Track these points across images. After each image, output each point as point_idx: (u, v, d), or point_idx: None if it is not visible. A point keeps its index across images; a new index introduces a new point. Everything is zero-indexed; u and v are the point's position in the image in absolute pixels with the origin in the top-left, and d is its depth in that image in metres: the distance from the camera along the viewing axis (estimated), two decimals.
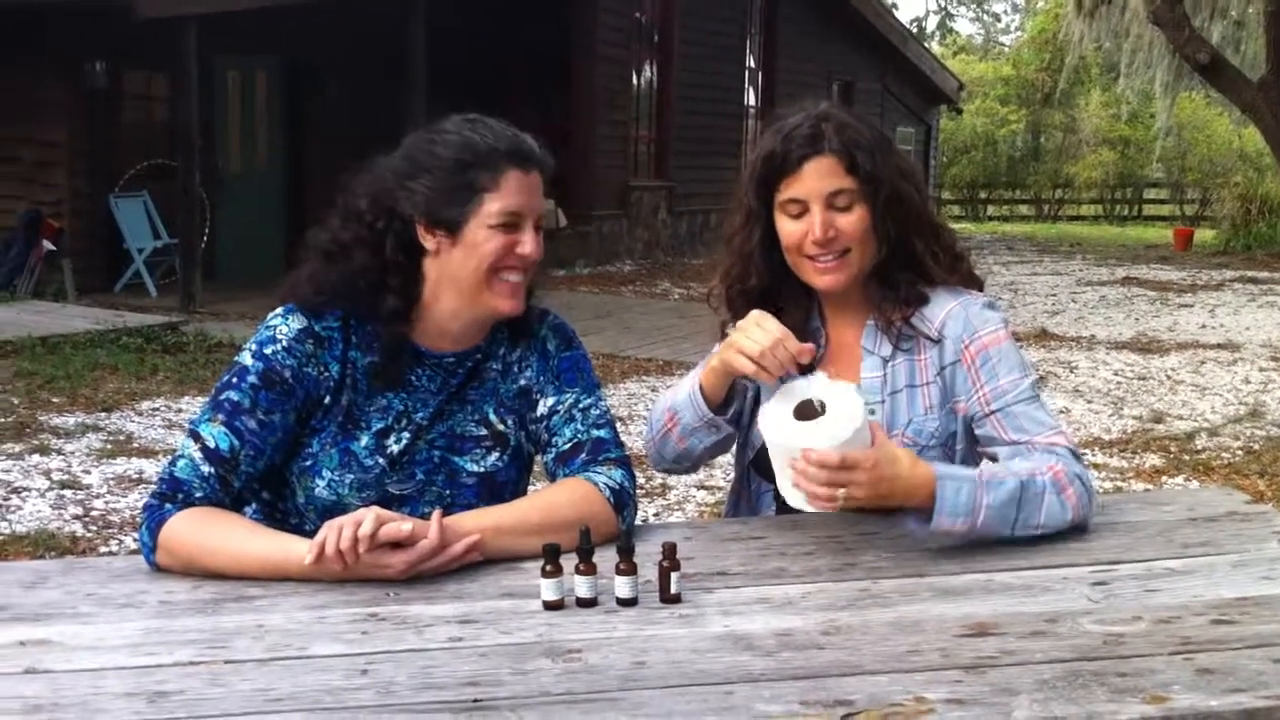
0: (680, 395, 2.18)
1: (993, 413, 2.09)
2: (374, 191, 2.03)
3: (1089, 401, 8.16)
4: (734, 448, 2.34)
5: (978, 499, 1.92)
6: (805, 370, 2.01)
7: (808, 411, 1.92)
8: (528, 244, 2.01)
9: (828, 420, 1.89)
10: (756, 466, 2.28)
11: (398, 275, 2.02)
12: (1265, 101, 18.72)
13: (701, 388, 2.14)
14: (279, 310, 2.05)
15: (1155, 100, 25.63)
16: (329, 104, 13.68)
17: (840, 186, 2.10)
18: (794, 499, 1.92)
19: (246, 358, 2.01)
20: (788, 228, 2.14)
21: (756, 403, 2.24)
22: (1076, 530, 2.04)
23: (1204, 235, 22.12)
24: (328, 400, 2.02)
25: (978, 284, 2.28)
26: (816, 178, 2.10)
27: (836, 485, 1.85)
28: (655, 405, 2.28)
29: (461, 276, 2.01)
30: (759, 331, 2.00)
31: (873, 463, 1.86)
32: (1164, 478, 6.27)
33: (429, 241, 2.01)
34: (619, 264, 16.22)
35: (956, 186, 32.91)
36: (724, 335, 2.31)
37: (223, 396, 1.98)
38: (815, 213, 2.10)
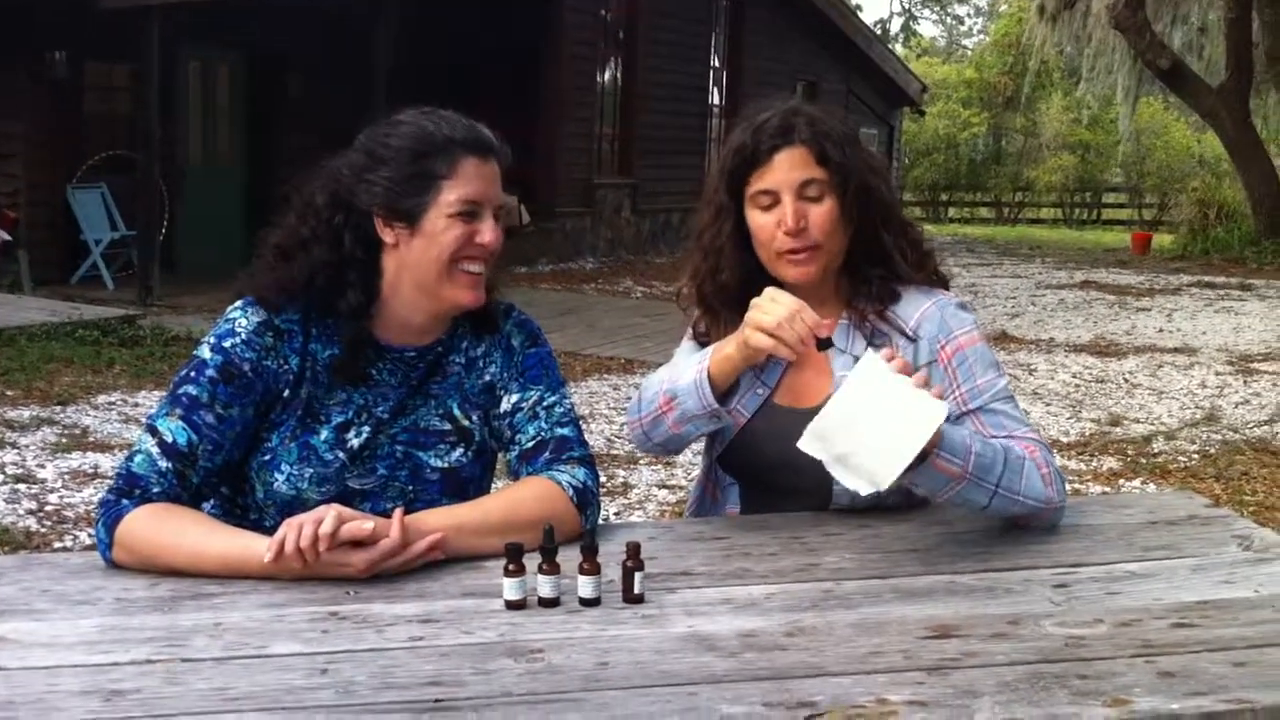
0: (684, 381, 2.11)
1: (972, 411, 2.11)
2: (331, 187, 2.01)
3: (1048, 404, 8.21)
4: (702, 441, 2.33)
5: (968, 445, 1.92)
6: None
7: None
8: (487, 233, 2.00)
9: (853, 372, 1.88)
10: (723, 462, 2.28)
11: (356, 270, 2.00)
12: (1225, 107, 18.97)
13: (710, 376, 2.09)
14: (238, 303, 2.03)
15: (1116, 105, 25.87)
16: (292, 97, 13.60)
17: (811, 176, 2.12)
18: (912, 437, 1.80)
19: (205, 351, 1.99)
20: (759, 220, 2.15)
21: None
22: (1049, 522, 2.06)
23: (1162, 240, 22.29)
24: (287, 394, 2.00)
25: (944, 282, 2.30)
26: (788, 168, 2.12)
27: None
28: (645, 385, 2.22)
29: (422, 268, 1.99)
30: (775, 305, 1.99)
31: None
32: (1121, 481, 6.32)
33: (388, 234, 1.99)
34: (582, 262, 16.20)
35: (918, 188, 33.06)
36: (695, 334, 2.31)
37: (181, 391, 1.96)
38: (787, 203, 2.11)
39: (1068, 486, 6.06)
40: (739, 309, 2.09)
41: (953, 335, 2.16)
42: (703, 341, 2.26)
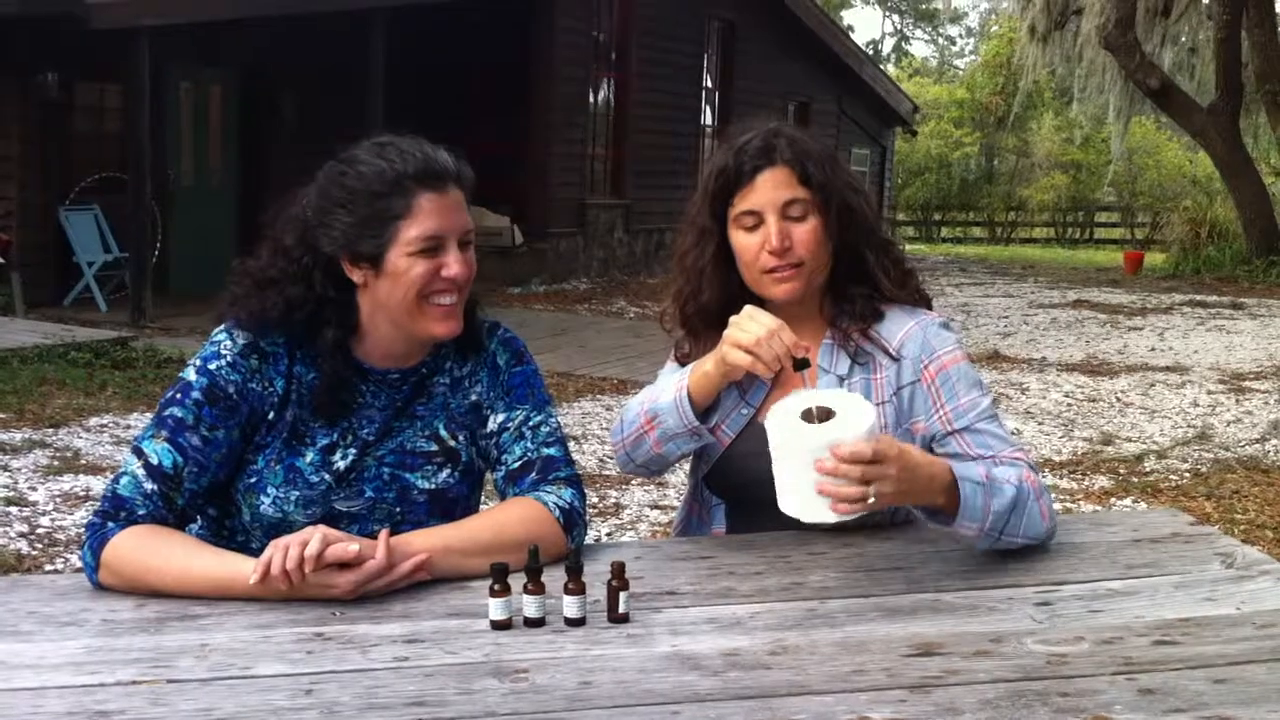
0: (664, 400, 2.14)
1: (956, 431, 2.12)
2: (297, 229, 2.01)
3: (1040, 423, 8.23)
4: (689, 461, 2.34)
5: (986, 503, 1.94)
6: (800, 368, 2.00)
7: (809, 420, 1.85)
8: (453, 265, 1.98)
9: (848, 415, 1.82)
10: (709, 482, 2.29)
11: (333, 309, 2.01)
12: (1214, 127, 19.05)
13: (690, 394, 2.12)
14: (223, 325, 2.04)
15: (1107, 125, 25.96)
16: (284, 117, 13.62)
17: (794, 196, 2.13)
18: (810, 511, 1.82)
19: (191, 373, 2.00)
20: (743, 241, 2.16)
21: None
22: (1033, 546, 2.06)
23: (1154, 259, 22.37)
24: (272, 416, 2.01)
25: (926, 301, 2.31)
26: (771, 188, 2.13)
27: (869, 481, 1.77)
28: (628, 406, 2.24)
29: (392, 306, 1.99)
30: (753, 323, 2.00)
31: (898, 452, 1.81)
32: (1112, 499, 6.33)
33: (355, 275, 2.00)
34: (575, 282, 16.22)
35: (911, 208, 33.16)
36: (677, 355, 2.32)
37: (166, 413, 1.97)
38: (771, 222, 2.13)
39: (1059, 506, 6.06)
40: (720, 330, 2.10)
41: (936, 355, 2.17)
42: (685, 363, 2.28)
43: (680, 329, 2.32)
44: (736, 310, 2.11)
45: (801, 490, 1.83)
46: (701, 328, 2.26)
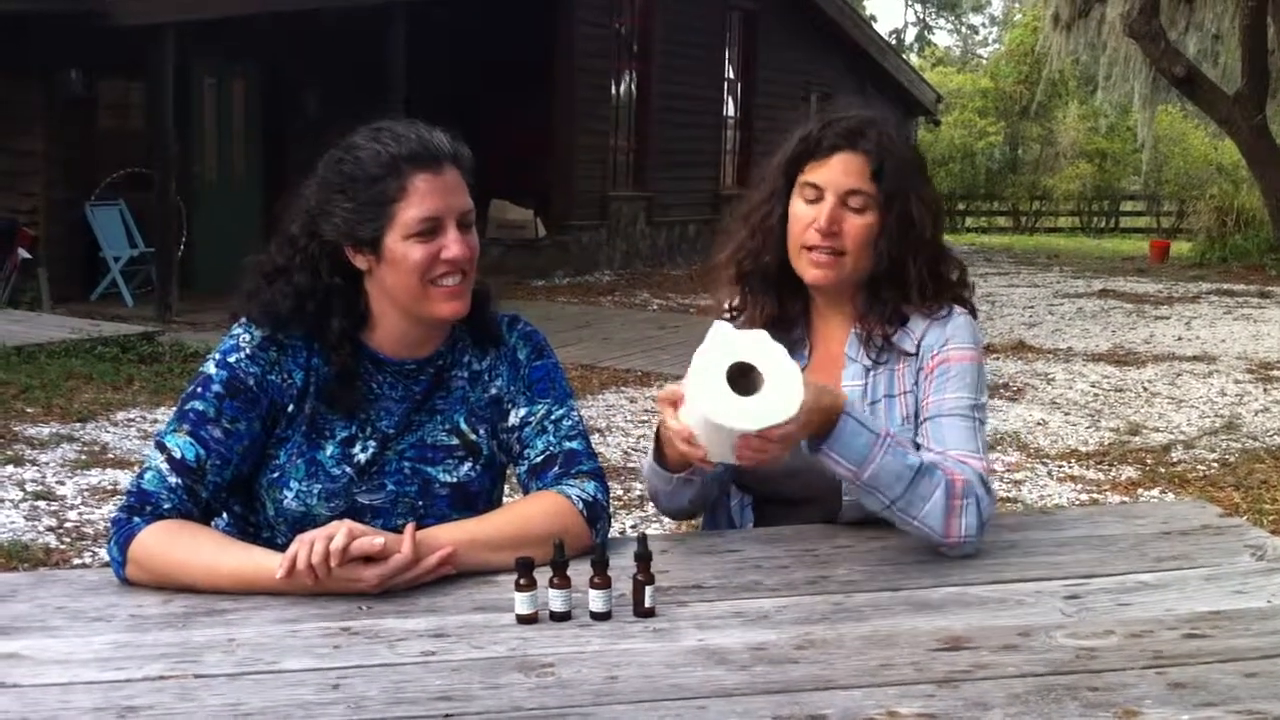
0: (646, 465, 2.17)
1: (926, 419, 2.10)
2: (302, 217, 2.02)
3: (1066, 414, 8.19)
4: None
5: (873, 453, 1.91)
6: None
7: (743, 377, 1.82)
8: (453, 246, 1.96)
9: (774, 397, 1.81)
10: (738, 482, 2.27)
11: (340, 297, 2.01)
12: (1241, 115, 18.87)
13: (663, 455, 2.08)
14: (242, 320, 2.04)
15: (1133, 113, 25.80)
16: (306, 113, 13.64)
17: (859, 187, 2.12)
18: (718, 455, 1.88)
19: (211, 367, 2.00)
20: (798, 210, 2.16)
21: None
22: (956, 554, 1.98)
23: (1180, 248, 22.24)
24: (291, 408, 2.01)
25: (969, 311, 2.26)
26: (841, 171, 2.13)
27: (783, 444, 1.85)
28: (644, 463, 2.25)
29: (397, 291, 1.99)
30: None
31: (805, 415, 1.83)
32: (1140, 490, 6.29)
33: (360, 261, 1.99)
34: (598, 274, 16.21)
35: None
36: (728, 310, 2.30)
37: (188, 406, 1.97)
38: (828, 202, 2.12)
39: (1085, 496, 5.99)
40: (772, 293, 2.18)
41: (946, 347, 2.15)
42: (735, 319, 2.26)
43: (734, 285, 2.29)
44: (790, 280, 2.18)
45: (718, 445, 1.86)
46: (757, 287, 2.24)
